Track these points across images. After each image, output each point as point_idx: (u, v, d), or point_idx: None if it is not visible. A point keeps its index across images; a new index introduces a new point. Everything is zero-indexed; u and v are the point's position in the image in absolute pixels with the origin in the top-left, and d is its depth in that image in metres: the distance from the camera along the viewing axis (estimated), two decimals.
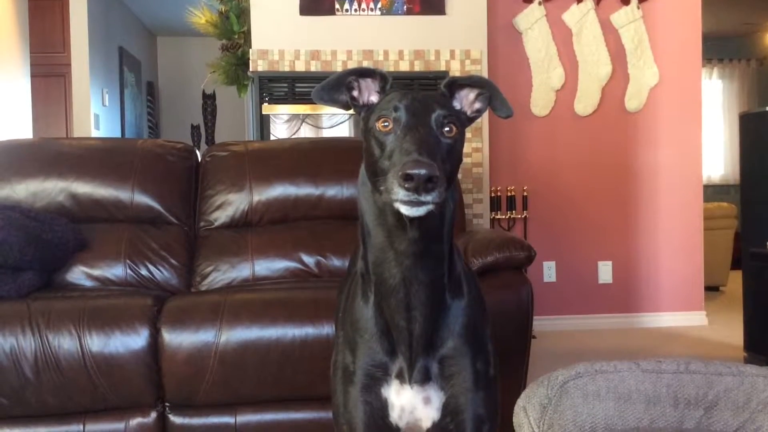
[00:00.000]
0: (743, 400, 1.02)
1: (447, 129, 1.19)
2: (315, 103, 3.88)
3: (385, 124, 1.18)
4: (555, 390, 1.05)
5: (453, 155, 1.20)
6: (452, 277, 1.30)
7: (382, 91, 1.29)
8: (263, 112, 3.83)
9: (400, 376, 1.28)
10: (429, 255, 1.23)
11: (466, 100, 1.32)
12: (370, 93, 1.31)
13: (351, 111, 1.34)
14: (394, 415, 1.29)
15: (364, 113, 1.29)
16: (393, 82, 1.31)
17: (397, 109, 1.18)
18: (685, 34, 4.66)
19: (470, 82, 1.31)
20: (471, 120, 1.33)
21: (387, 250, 1.23)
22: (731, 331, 4.23)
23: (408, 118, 1.17)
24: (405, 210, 1.09)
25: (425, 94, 1.25)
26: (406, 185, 1.05)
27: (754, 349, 3.52)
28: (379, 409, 1.29)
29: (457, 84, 1.30)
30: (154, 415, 2.14)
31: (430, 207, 1.08)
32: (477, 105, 1.32)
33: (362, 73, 1.31)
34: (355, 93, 1.32)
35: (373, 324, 1.29)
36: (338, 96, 1.32)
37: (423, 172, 1.04)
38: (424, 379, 1.28)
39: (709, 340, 4.21)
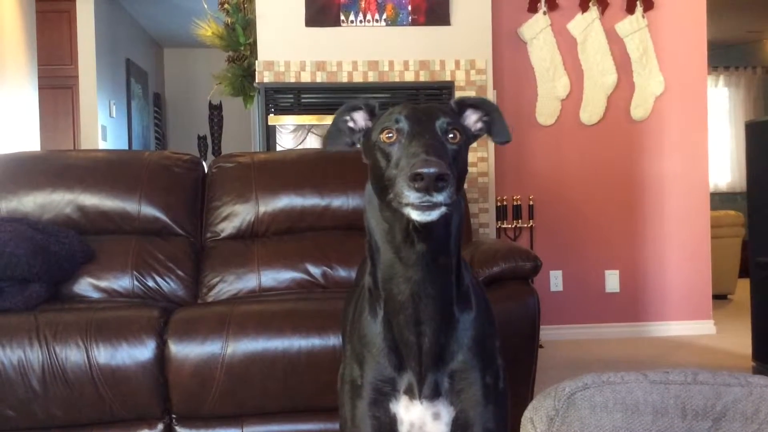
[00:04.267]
0: (752, 411, 1.02)
1: (451, 135, 1.19)
2: (320, 113, 3.91)
3: (389, 135, 1.18)
4: (562, 401, 1.05)
5: (459, 161, 1.19)
6: (460, 290, 1.30)
7: (372, 115, 1.31)
8: (269, 123, 3.84)
9: (409, 392, 1.28)
10: (437, 269, 1.22)
11: (469, 120, 1.33)
12: (363, 121, 1.33)
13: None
14: (403, 431, 1.28)
15: (363, 137, 1.31)
16: (388, 95, 1.34)
17: (398, 120, 1.19)
18: (691, 42, 4.66)
19: (476, 103, 1.33)
20: (474, 137, 1.34)
21: (396, 266, 1.23)
22: (739, 339, 4.21)
23: (412, 126, 1.17)
24: (416, 215, 1.08)
25: (427, 105, 1.26)
26: (416, 185, 1.04)
27: (762, 359, 3.50)
28: (388, 424, 1.28)
29: (465, 104, 1.32)
30: (160, 427, 2.15)
31: (443, 210, 1.07)
32: (478, 125, 1.33)
33: (351, 108, 1.33)
34: (351, 124, 1.33)
35: (381, 339, 1.29)
36: (344, 139, 1.33)
37: (433, 170, 1.03)
38: (434, 395, 1.27)
39: (717, 349, 4.19)
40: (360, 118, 1.33)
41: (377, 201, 1.23)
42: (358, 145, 1.33)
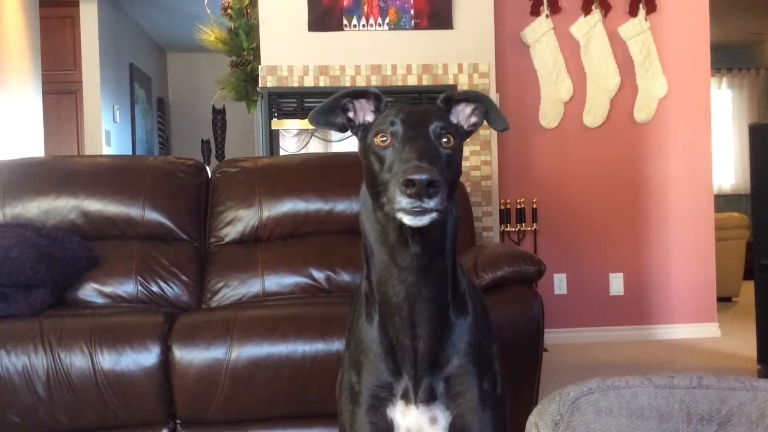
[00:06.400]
0: (757, 415, 1.02)
1: (445, 140, 1.19)
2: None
3: (383, 138, 1.19)
4: (567, 406, 1.05)
5: (452, 166, 1.20)
6: (456, 294, 1.30)
7: (377, 110, 1.30)
8: (272, 128, 3.85)
9: (405, 396, 1.27)
10: (432, 271, 1.22)
11: (462, 114, 1.33)
12: (365, 113, 1.32)
13: (348, 133, 1.35)
14: None
15: (360, 133, 1.30)
16: (391, 99, 1.32)
17: (393, 123, 1.19)
18: (693, 44, 4.66)
19: (466, 96, 1.33)
20: (468, 134, 1.34)
21: (390, 268, 1.23)
22: (744, 342, 4.20)
23: (405, 131, 1.17)
24: (408, 220, 1.09)
25: (422, 108, 1.26)
26: (408, 191, 1.05)
27: (767, 362, 3.49)
28: (385, 429, 1.28)
29: (453, 99, 1.32)
30: None
31: (434, 215, 1.08)
32: (473, 119, 1.34)
33: (356, 94, 1.32)
34: (351, 114, 1.33)
35: (377, 344, 1.29)
36: (334, 119, 1.33)
37: (424, 176, 1.04)
38: (430, 399, 1.27)
39: (722, 352, 4.18)
40: (363, 108, 1.32)
41: (371, 202, 1.23)
42: (351, 134, 1.33)
